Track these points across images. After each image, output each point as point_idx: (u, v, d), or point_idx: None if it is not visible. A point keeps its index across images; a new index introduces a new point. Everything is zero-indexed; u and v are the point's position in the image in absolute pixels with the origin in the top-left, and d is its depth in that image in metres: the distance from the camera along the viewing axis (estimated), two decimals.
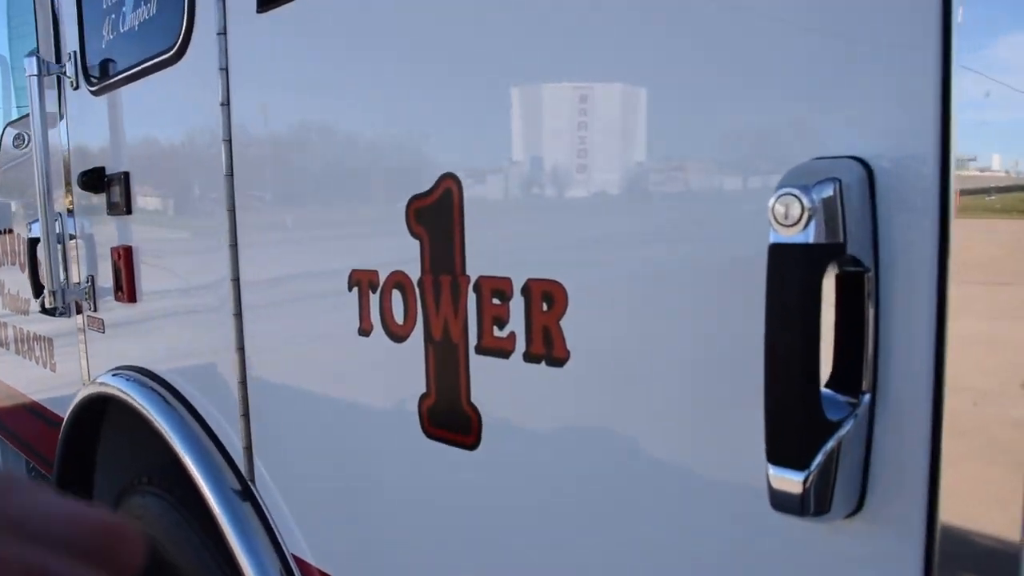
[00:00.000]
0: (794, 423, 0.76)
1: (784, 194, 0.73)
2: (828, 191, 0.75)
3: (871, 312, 0.80)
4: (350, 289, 1.44)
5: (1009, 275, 0.73)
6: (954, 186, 0.76)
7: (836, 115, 0.83)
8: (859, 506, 0.83)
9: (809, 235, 0.73)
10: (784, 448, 0.77)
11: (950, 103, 0.75)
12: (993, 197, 0.75)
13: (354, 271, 1.43)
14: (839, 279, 0.81)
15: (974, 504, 0.78)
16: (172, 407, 2.12)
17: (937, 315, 0.77)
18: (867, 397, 0.81)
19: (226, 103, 1.74)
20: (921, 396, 0.79)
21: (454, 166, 1.21)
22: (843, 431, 0.79)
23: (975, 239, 0.76)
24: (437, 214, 1.24)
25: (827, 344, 0.81)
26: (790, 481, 0.78)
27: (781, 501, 0.79)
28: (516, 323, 1.13)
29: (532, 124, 1.15)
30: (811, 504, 0.78)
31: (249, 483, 1.88)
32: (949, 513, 0.78)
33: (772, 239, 0.75)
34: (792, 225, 0.73)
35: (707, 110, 0.94)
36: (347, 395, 1.53)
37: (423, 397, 1.31)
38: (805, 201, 0.72)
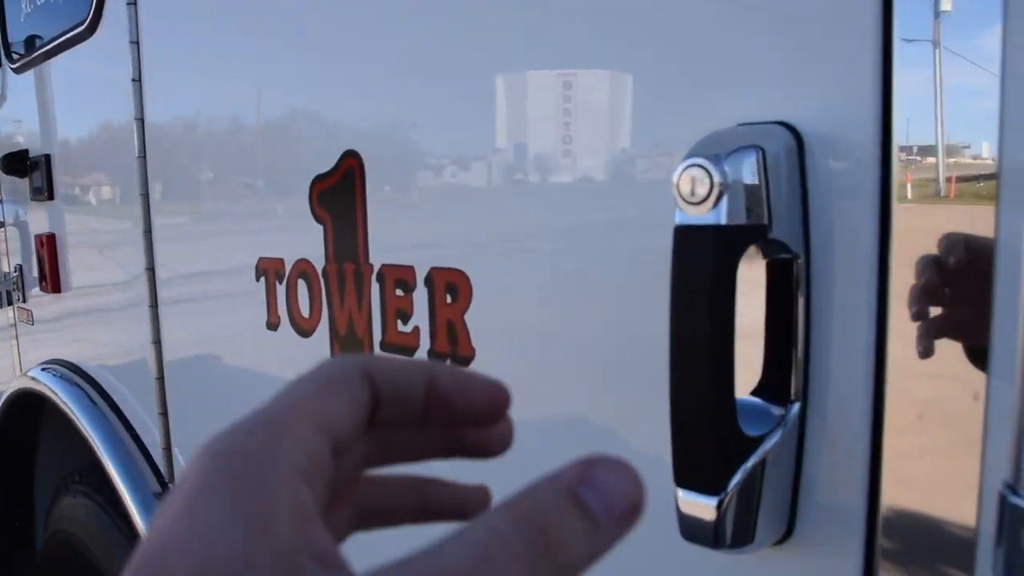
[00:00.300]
0: (704, 438, 0.64)
1: (690, 166, 0.61)
2: (747, 162, 0.63)
3: (801, 306, 0.68)
4: (258, 279, 1.31)
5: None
6: (896, 164, 0.64)
7: (762, 79, 0.71)
8: (788, 533, 0.71)
9: (720, 215, 0.61)
10: (693, 467, 0.65)
11: (891, 67, 0.63)
12: (981, 184, 0.63)
13: (261, 259, 1.30)
14: (770, 268, 0.69)
15: (917, 529, 0.66)
16: (95, 404, 1.99)
17: (878, 310, 0.65)
18: (796, 406, 0.69)
19: (138, 79, 1.61)
20: (859, 405, 0.67)
21: (356, 143, 1.09)
22: (767, 445, 0.67)
23: (921, 224, 0.64)
24: (340, 196, 1.11)
25: (757, 345, 0.69)
26: (701, 506, 0.65)
27: (692, 529, 0.67)
28: (420, 317, 1.01)
29: (436, 99, 1.02)
30: (727, 533, 0.66)
31: (169, 485, 1.75)
32: (890, 539, 0.67)
33: (677, 220, 0.62)
34: (699, 203, 0.60)
35: (618, 82, 0.82)
36: (260, 394, 1.40)
37: None
38: (715, 174, 0.60)
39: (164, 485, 1.75)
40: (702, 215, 0.60)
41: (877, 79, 0.64)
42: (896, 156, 0.64)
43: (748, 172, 0.63)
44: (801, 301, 0.68)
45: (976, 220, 0.61)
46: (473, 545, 0.28)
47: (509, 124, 0.94)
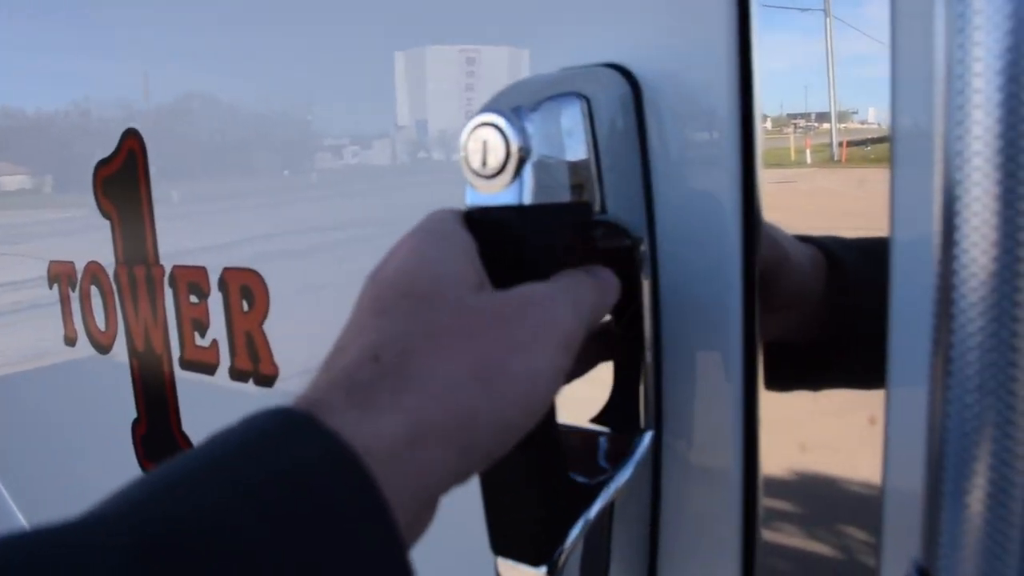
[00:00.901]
0: (520, 490, 0.48)
1: (479, 126, 0.44)
2: (564, 117, 0.47)
3: (648, 306, 0.52)
4: (51, 287, 1.11)
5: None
6: (758, 111, 0.49)
7: (590, 15, 0.55)
8: None
9: (524, 190, 0.44)
10: (510, 530, 0.49)
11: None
12: (869, 148, 0.48)
13: (52, 263, 1.10)
14: (610, 257, 0.53)
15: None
16: None
17: (745, 307, 0.50)
18: (648, 435, 0.53)
19: None
20: (727, 431, 0.52)
21: (136, 120, 0.89)
22: (615, 486, 0.52)
23: (794, 194, 0.49)
24: (124, 184, 0.92)
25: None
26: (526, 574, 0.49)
27: None
28: (217, 328, 0.83)
29: (221, 67, 0.83)
30: None
31: None
32: None
33: (468, 200, 0.46)
34: (493, 176, 0.44)
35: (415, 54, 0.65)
36: (65, 419, 1.20)
37: (135, 423, 0.99)
38: (512, 136, 0.43)
39: None
40: (497, 193, 0.44)
41: (732, 8, 0.48)
42: (758, 106, 0.49)
43: (567, 131, 0.47)
44: (647, 299, 0.52)
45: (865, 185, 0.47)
46: (565, 276, 0.44)
47: (303, 99, 0.76)
